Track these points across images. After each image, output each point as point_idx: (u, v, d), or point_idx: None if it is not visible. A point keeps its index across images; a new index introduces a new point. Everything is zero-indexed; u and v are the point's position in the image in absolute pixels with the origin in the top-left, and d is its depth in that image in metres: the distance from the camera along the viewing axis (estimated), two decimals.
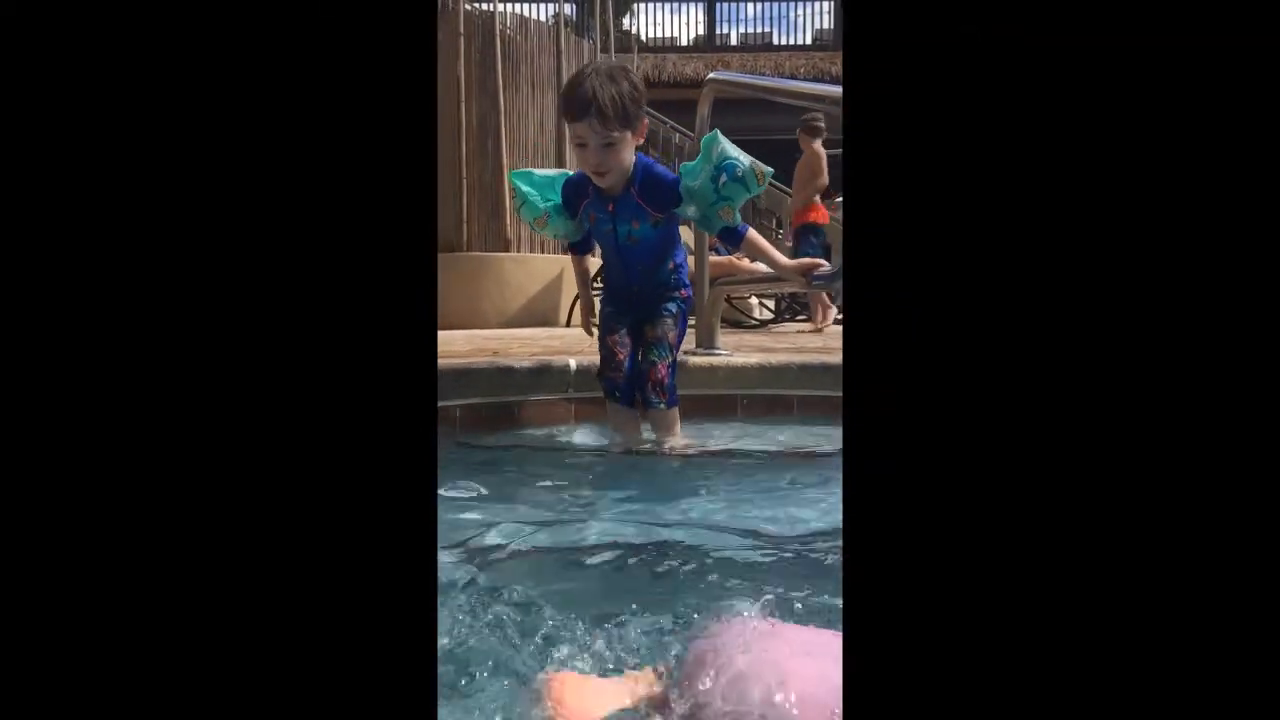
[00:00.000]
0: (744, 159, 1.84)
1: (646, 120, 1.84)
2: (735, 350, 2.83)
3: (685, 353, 2.78)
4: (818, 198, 5.03)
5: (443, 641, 0.85)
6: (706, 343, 2.79)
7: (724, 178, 1.81)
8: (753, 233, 1.94)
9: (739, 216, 1.90)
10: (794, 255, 4.78)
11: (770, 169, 1.86)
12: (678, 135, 8.12)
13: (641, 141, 1.84)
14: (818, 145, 5.00)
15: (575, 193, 1.98)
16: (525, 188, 2.03)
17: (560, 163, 6.03)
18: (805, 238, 5.04)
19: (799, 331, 5.06)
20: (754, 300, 5.92)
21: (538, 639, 0.84)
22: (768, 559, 1.15)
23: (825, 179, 5.05)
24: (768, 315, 5.98)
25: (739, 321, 5.41)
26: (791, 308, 6.03)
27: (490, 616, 0.91)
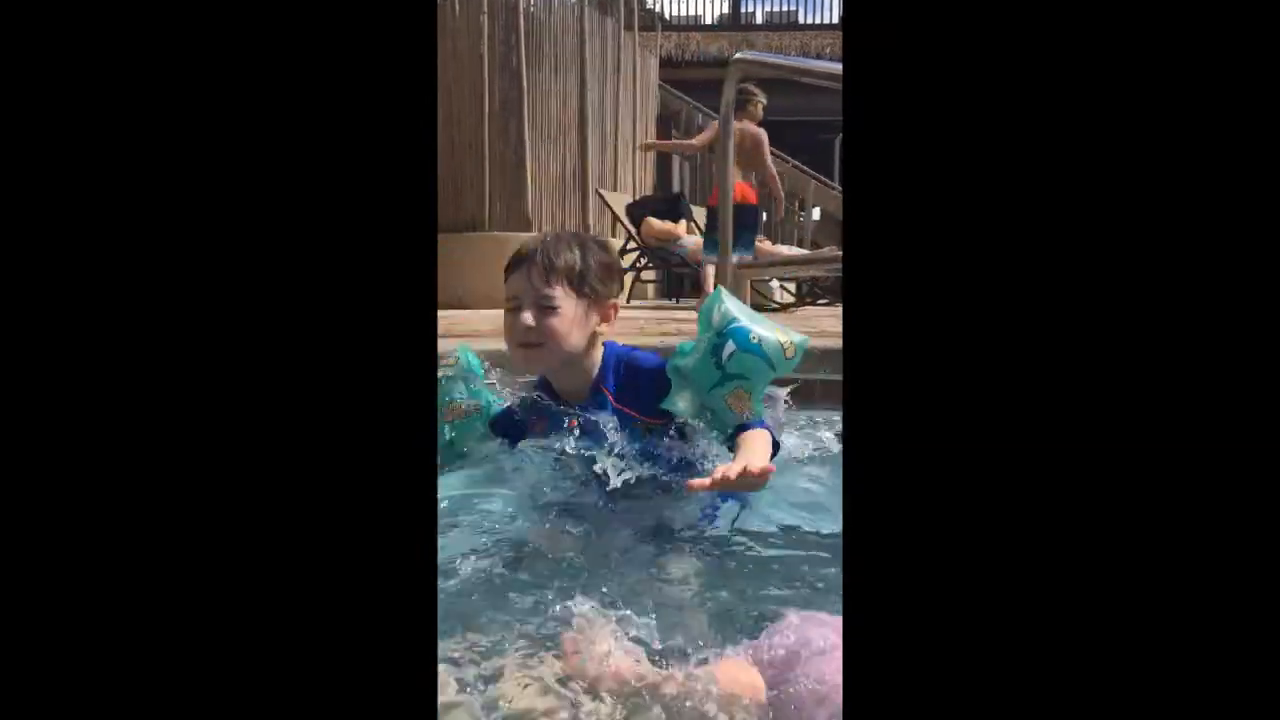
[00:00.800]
0: (762, 324, 1.22)
1: (617, 305, 1.28)
2: None
3: None
4: (752, 176, 4.43)
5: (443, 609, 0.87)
6: None
7: (731, 347, 1.19)
8: (764, 438, 1.19)
9: (761, 409, 1.23)
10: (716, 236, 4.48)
11: (805, 337, 1.25)
12: (700, 116, 8.05)
13: (608, 330, 1.27)
14: (745, 123, 4.43)
15: (517, 426, 1.31)
16: (467, 369, 1.37)
17: (583, 145, 6.01)
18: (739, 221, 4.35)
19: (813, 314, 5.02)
20: (775, 283, 5.88)
21: (548, 623, 0.84)
22: (794, 547, 1.15)
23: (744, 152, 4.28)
24: (789, 299, 5.95)
25: (760, 305, 5.38)
26: (813, 291, 5.98)
27: (495, 596, 0.92)
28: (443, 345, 2.28)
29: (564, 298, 1.22)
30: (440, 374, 1.38)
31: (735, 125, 4.66)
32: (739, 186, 4.50)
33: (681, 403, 1.22)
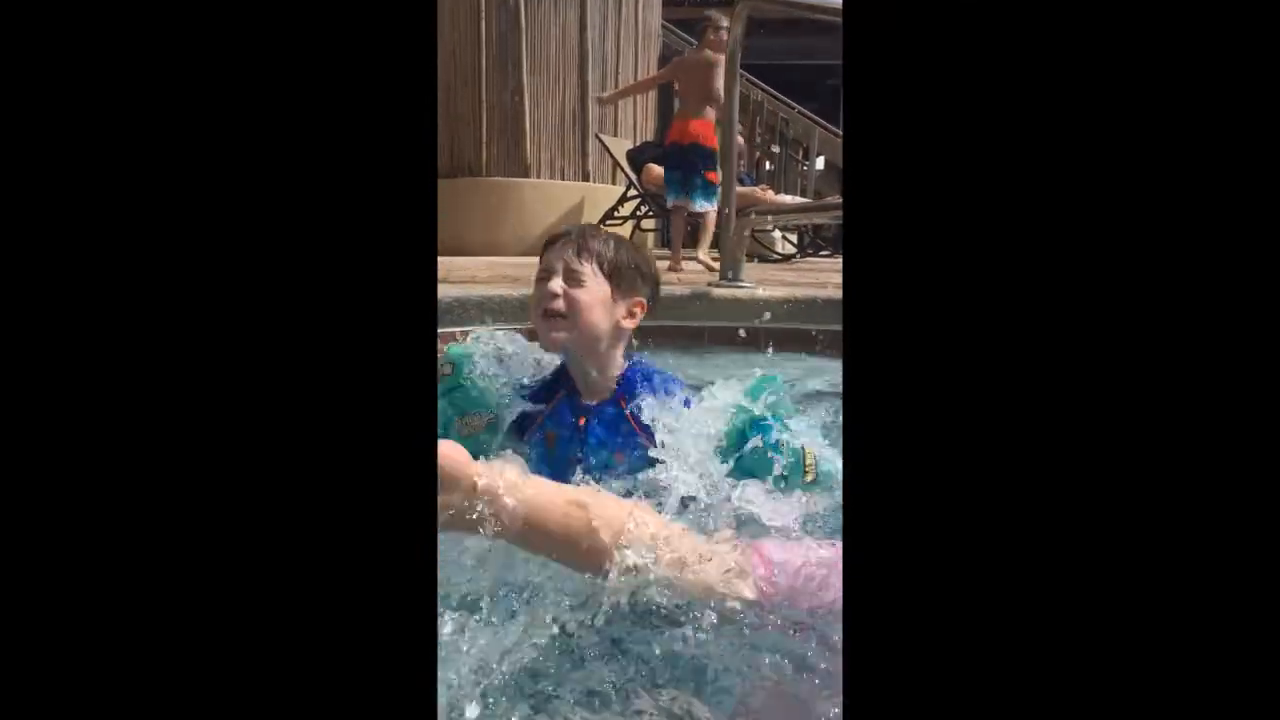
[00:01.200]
0: (794, 436, 1.15)
1: (644, 305, 1.27)
2: (759, 284, 2.79)
3: (709, 284, 2.74)
4: (709, 111, 4.07)
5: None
6: (732, 275, 2.75)
7: (755, 442, 1.13)
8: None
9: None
10: (677, 183, 4.02)
11: (830, 468, 1.16)
12: None
13: (631, 327, 1.26)
14: (703, 52, 4.10)
15: (530, 411, 1.28)
16: (467, 368, 1.29)
17: (583, 88, 5.84)
18: (688, 162, 4.04)
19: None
20: (777, 234, 5.81)
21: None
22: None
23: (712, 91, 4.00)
24: (790, 249, 5.89)
25: (762, 255, 5.33)
26: (815, 242, 5.92)
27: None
28: (440, 291, 2.25)
29: (592, 276, 1.22)
30: (442, 384, 1.29)
31: (692, 55, 4.35)
32: (692, 124, 4.11)
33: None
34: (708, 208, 4.02)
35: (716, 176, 3.94)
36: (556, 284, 1.21)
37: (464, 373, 1.28)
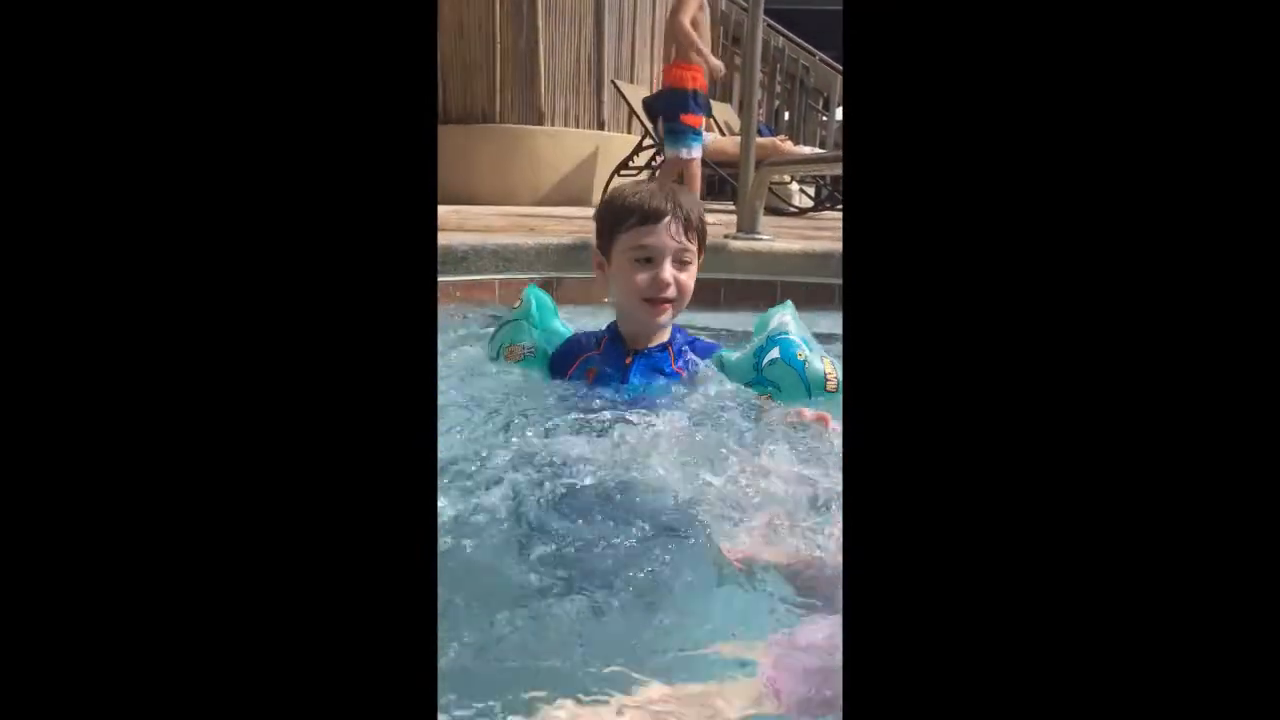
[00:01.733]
0: (812, 349, 1.25)
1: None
2: (777, 236, 2.75)
3: (726, 236, 2.70)
4: (689, 54, 3.73)
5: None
6: (749, 227, 2.71)
7: (775, 353, 1.23)
8: None
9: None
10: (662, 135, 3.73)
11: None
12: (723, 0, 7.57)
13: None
14: None
15: (575, 348, 1.35)
16: (534, 308, 1.41)
17: (599, 33, 5.68)
18: (666, 109, 3.73)
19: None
20: (795, 186, 5.71)
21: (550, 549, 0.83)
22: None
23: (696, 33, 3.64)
24: (808, 203, 5.79)
25: (779, 209, 5.25)
26: (833, 196, 5.81)
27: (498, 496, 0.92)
28: (456, 239, 2.24)
29: (695, 251, 1.27)
30: (510, 317, 1.45)
31: None
32: (670, 68, 3.82)
33: (714, 386, 1.25)
34: (684, 154, 3.71)
35: (694, 120, 3.74)
36: (669, 273, 1.23)
37: (530, 311, 1.41)
